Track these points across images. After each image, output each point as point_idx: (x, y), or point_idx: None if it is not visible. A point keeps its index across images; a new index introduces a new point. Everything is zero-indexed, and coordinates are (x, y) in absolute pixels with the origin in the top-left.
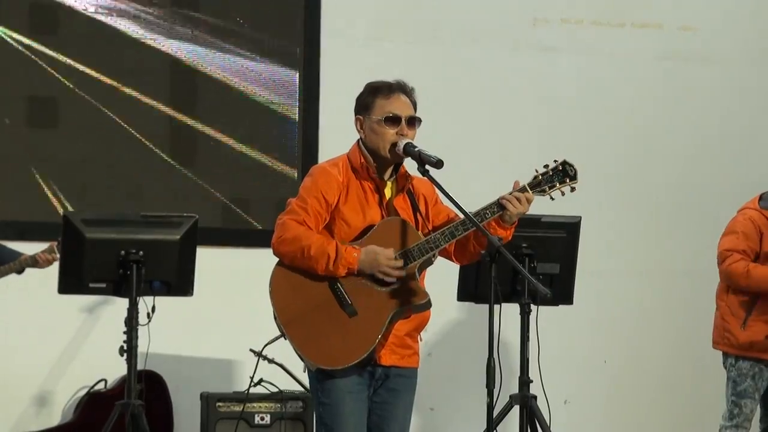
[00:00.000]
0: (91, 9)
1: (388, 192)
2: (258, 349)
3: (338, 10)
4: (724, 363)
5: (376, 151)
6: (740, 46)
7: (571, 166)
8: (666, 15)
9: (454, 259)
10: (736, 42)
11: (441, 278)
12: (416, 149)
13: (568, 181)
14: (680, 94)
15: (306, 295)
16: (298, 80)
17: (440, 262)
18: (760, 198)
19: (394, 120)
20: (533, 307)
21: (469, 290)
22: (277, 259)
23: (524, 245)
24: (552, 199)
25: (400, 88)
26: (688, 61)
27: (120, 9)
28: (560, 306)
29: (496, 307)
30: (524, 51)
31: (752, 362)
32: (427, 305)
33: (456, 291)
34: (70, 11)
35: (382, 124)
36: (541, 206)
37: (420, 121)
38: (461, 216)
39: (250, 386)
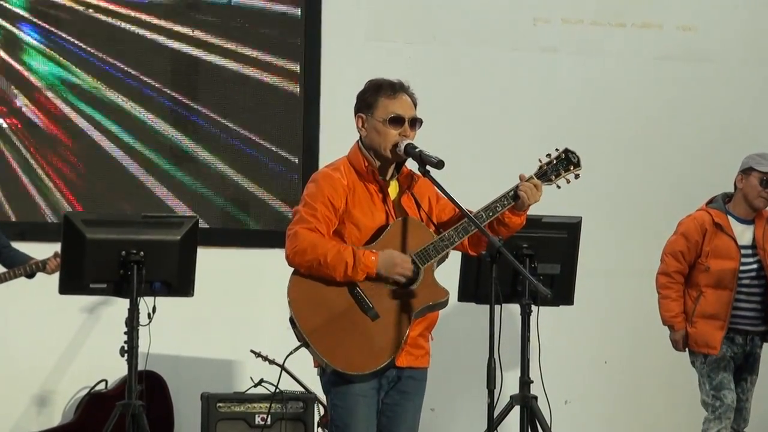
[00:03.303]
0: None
1: (392, 192)
2: (258, 349)
3: (338, 10)
4: (693, 362)
5: (378, 150)
6: (740, 46)
7: (573, 153)
8: (666, 15)
9: (470, 250)
10: (736, 42)
11: (441, 279)
12: (417, 150)
13: (572, 168)
14: (680, 94)
15: (327, 303)
16: (298, 81)
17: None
18: (711, 200)
19: (397, 121)
20: (534, 307)
21: (469, 291)
22: (292, 269)
23: (525, 246)
24: (558, 187)
25: (402, 87)
26: (688, 61)
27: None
28: (561, 306)
29: (497, 307)
30: (524, 51)
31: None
32: (446, 302)
33: (457, 291)
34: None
35: (386, 124)
36: (541, 205)
37: (421, 121)
38: (468, 210)
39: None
